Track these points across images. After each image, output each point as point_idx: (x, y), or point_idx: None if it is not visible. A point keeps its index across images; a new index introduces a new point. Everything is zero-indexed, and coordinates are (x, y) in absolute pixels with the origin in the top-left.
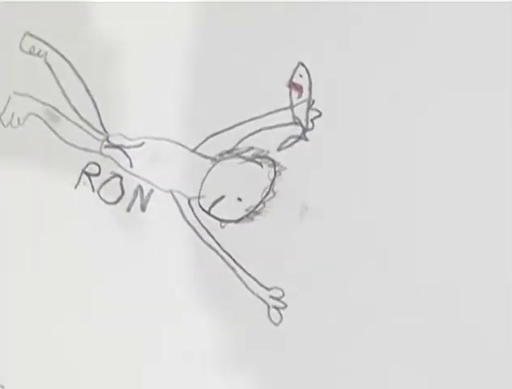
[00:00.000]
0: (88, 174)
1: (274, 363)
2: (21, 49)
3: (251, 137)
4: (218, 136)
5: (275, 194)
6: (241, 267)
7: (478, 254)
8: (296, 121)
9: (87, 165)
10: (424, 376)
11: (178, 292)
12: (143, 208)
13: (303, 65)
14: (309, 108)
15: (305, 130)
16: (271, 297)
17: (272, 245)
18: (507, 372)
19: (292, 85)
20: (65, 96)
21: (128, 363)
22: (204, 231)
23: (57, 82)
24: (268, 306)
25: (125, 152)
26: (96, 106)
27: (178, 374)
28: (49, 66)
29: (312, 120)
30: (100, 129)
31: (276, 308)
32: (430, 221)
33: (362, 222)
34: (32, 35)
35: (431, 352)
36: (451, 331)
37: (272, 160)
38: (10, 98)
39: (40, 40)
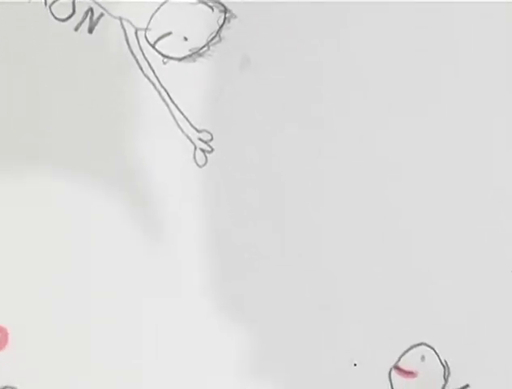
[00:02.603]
0: None
1: (193, 201)
2: None
3: None
4: None
5: (221, 39)
6: (175, 105)
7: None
8: None
9: None
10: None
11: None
12: (91, 30)
13: None
14: None
15: None
16: (200, 139)
17: (209, 90)
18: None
19: None
20: None
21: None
22: (146, 64)
23: None
24: (195, 147)
25: None
26: None
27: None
28: None
29: None
30: None
31: (203, 150)
32: None
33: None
34: None
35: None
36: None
37: (224, 6)
38: None
39: None
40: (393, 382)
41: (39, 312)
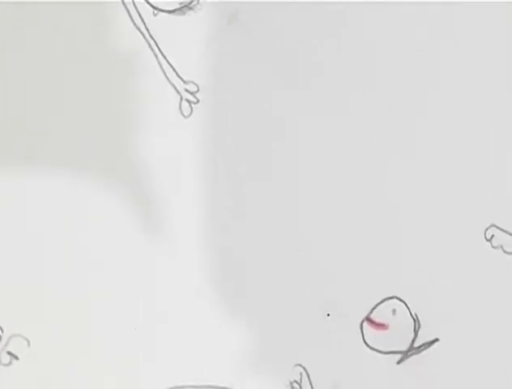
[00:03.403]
0: None
1: (180, 152)
2: None
3: None
4: None
5: None
6: (163, 55)
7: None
8: None
9: None
10: None
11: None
12: None
13: None
14: None
15: None
16: (186, 90)
17: (198, 43)
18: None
19: None
20: None
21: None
22: (137, 14)
23: None
24: (181, 98)
25: None
26: None
27: None
28: None
29: None
30: None
31: (188, 101)
32: None
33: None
34: None
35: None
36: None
37: None
38: None
39: None
40: (364, 333)
41: (38, 311)
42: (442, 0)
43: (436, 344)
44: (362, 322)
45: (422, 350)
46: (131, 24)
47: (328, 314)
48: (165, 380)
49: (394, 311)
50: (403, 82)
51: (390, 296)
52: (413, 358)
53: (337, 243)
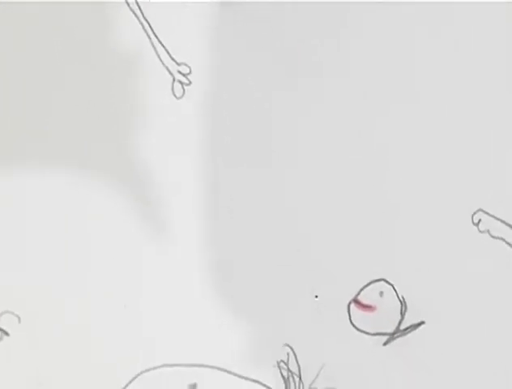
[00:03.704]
0: None
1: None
2: None
3: None
4: None
5: None
6: (156, 37)
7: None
8: None
9: None
10: None
11: None
12: None
13: None
14: None
15: None
16: (179, 71)
17: (191, 25)
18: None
19: None
20: None
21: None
22: None
23: None
24: (173, 79)
25: None
26: None
27: None
28: None
29: None
30: None
31: (181, 83)
32: None
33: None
34: None
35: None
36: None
37: None
38: None
39: None
40: (351, 314)
41: (30, 289)
42: (442, 0)
43: (422, 326)
44: (349, 303)
45: (408, 332)
46: (126, 7)
47: (316, 296)
48: (154, 359)
49: (381, 293)
50: (403, 81)
51: (378, 278)
52: (399, 340)
53: (326, 226)
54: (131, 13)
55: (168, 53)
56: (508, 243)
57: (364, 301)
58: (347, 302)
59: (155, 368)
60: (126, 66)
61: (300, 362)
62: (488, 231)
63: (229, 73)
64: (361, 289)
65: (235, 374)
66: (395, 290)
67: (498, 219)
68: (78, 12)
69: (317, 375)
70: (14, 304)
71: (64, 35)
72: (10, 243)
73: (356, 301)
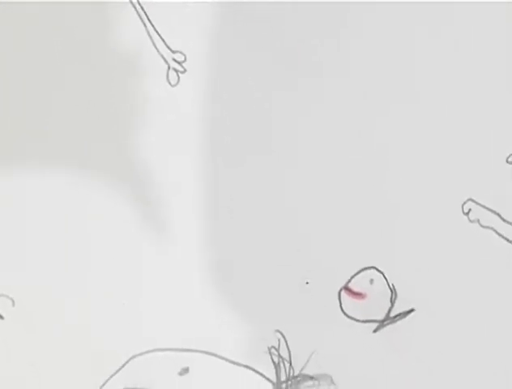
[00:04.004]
0: None
1: (172, 123)
2: None
3: None
4: None
5: None
6: (152, 25)
7: None
8: None
9: None
10: None
11: None
12: None
13: None
14: None
15: None
16: (174, 59)
17: (187, 13)
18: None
19: None
20: None
21: None
22: None
23: None
24: (168, 67)
25: None
26: None
27: None
28: None
29: None
30: None
31: (176, 70)
32: None
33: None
34: None
35: None
36: None
37: None
38: None
39: None
40: (342, 301)
41: (24, 272)
42: (442, 0)
43: (411, 314)
44: (340, 290)
45: (398, 320)
46: (126, 7)
47: (307, 282)
48: (146, 343)
49: (371, 281)
50: (403, 81)
51: (369, 266)
52: (389, 327)
53: (318, 213)
54: (132, 13)
55: (168, 47)
56: (497, 233)
57: (355, 289)
58: (338, 289)
59: (147, 352)
60: (126, 65)
61: (290, 348)
62: (478, 220)
63: (229, 73)
64: (352, 277)
65: (226, 360)
66: (386, 278)
67: (488, 209)
68: (77, 11)
69: (308, 361)
70: (8, 288)
71: (64, 34)
72: (10, 242)
73: (346, 288)
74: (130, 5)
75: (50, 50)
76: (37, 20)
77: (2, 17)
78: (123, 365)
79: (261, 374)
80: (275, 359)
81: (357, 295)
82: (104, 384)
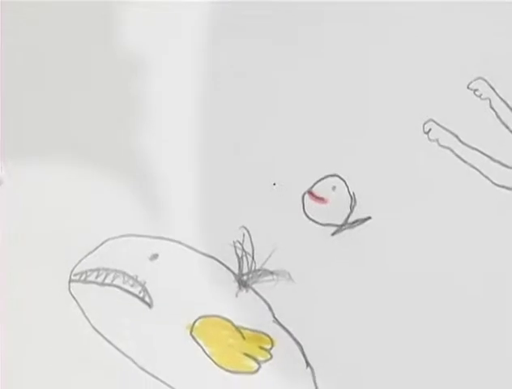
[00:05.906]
0: None
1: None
2: None
3: None
4: None
5: None
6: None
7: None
8: None
9: None
10: None
11: None
12: None
13: None
14: None
15: None
16: None
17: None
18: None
19: None
20: None
21: None
22: None
23: None
24: None
25: None
26: None
27: None
28: None
29: None
30: None
31: None
32: None
33: None
34: None
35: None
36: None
37: None
38: None
39: None
40: (305, 204)
41: (38, 311)
42: (442, 0)
43: (368, 221)
44: (304, 194)
45: (355, 226)
46: (128, 7)
47: (274, 184)
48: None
49: (334, 188)
50: (403, 81)
51: (333, 173)
52: (347, 232)
53: (290, 121)
54: (133, 12)
55: None
56: (454, 153)
57: (318, 193)
58: (302, 193)
59: (121, 236)
60: (127, 65)
61: (254, 244)
62: (437, 140)
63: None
64: (316, 182)
65: (194, 249)
66: (347, 186)
67: (448, 130)
68: (77, 10)
69: (269, 257)
70: None
71: (64, 34)
72: (9, 241)
73: (310, 192)
74: (132, 5)
75: (50, 50)
76: (38, 20)
77: (8, 17)
78: (96, 247)
79: (224, 265)
80: (239, 253)
81: (319, 199)
82: (79, 262)
